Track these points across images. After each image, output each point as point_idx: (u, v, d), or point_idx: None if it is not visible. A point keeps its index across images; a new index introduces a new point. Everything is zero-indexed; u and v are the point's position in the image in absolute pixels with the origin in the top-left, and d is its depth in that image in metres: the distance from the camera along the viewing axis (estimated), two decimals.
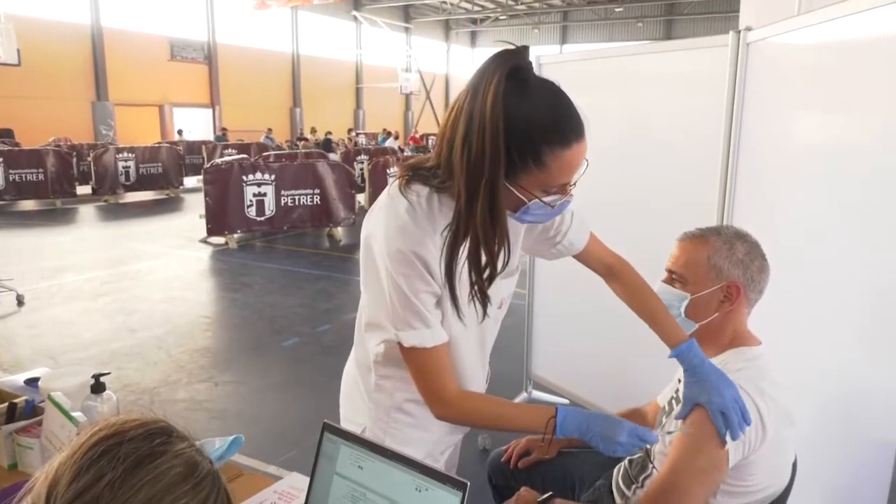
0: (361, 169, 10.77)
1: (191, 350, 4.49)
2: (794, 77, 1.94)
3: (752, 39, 2.07)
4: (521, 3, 29.60)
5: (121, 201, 12.55)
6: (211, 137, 19.13)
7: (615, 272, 1.48)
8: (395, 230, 1.14)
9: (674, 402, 1.48)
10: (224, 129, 19.31)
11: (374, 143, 19.06)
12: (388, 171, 9.13)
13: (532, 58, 1.09)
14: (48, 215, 10.76)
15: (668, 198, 2.55)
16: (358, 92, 29.12)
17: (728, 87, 2.13)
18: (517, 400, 3.38)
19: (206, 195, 7.98)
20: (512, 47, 1.06)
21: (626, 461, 1.55)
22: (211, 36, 22.03)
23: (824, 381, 1.75)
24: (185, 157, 14.77)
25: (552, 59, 3.07)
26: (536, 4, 29.75)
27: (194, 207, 10.64)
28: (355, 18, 27.41)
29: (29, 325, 5.00)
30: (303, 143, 16.34)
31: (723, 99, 2.14)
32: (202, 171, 8.65)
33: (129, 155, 12.81)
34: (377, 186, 8.88)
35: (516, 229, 1.27)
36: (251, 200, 8.22)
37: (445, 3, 28.76)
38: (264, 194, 8.30)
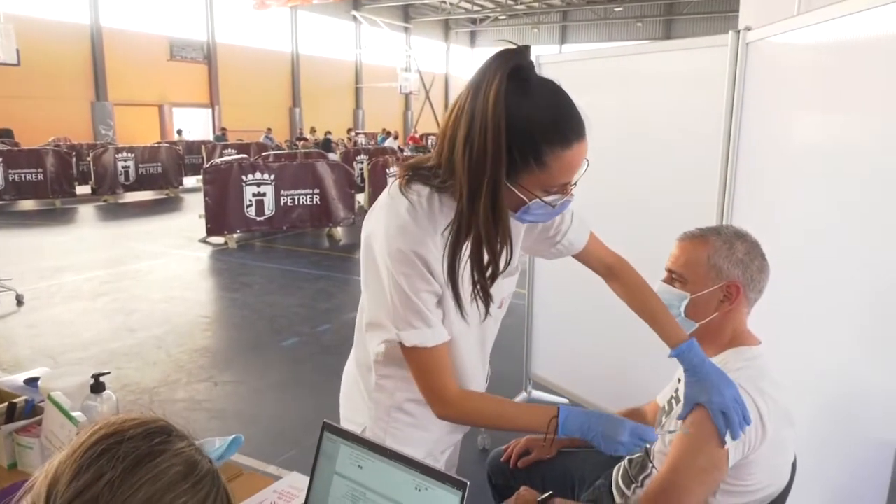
0: (361, 169, 10.77)
1: (190, 350, 4.49)
2: (794, 77, 1.94)
3: (752, 39, 2.07)
4: (521, 3, 29.60)
5: (120, 201, 12.54)
6: (210, 137, 19.13)
7: (615, 272, 1.48)
8: (395, 230, 1.14)
9: (673, 401, 1.48)
10: (223, 129, 19.31)
11: (374, 142, 19.06)
12: (387, 170, 9.13)
13: (532, 57, 1.09)
14: (48, 215, 10.76)
15: (668, 197, 2.55)
16: (357, 92, 29.12)
17: (727, 87, 2.13)
18: (517, 400, 3.38)
19: (205, 195, 7.98)
20: (513, 47, 1.06)
21: (625, 461, 1.56)
22: (210, 36, 22.02)
23: (824, 381, 1.75)
24: (184, 157, 14.77)
25: (551, 59, 3.07)
26: (536, 4, 29.76)
27: (194, 207, 10.64)
28: (355, 18, 27.41)
29: (28, 324, 5.00)
30: (302, 142, 16.33)
31: (722, 99, 2.14)
32: (202, 170, 8.65)
33: (129, 155, 12.80)
34: (377, 186, 8.88)
35: (517, 229, 1.27)
36: (251, 200, 8.22)
37: (445, 2, 28.75)
38: (264, 194, 8.30)
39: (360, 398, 1.37)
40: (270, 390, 3.88)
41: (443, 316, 1.21)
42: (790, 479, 1.38)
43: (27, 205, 11.61)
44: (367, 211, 1.25)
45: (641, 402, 1.75)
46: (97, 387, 1.41)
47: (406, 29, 30.60)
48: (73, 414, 1.34)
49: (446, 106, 32.78)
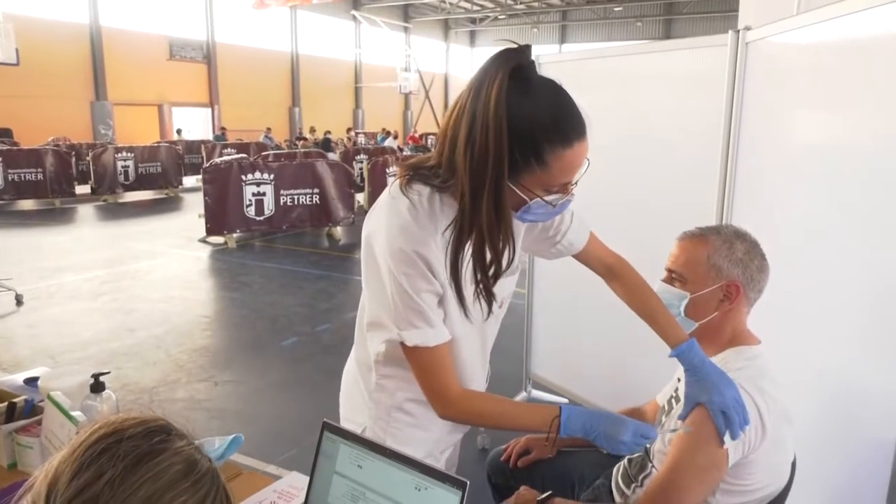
0: (360, 168, 10.76)
1: (190, 349, 4.49)
2: (794, 76, 1.94)
3: (751, 39, 2.07)
4: (521, 3, 29.60)
5: (120, 201, 12.54)
6: (210, 137, 19.13)
7: (615, 272, 1.48)
8: (396, 229, 1.14)
9: (673, 401, 1.48)
10: (223, 129, 19.31)
11: (374, 142, 19.06)
12: (387, 170, 9.13)
13: (532, 57, 1.09)
14: (47, 215, 10.75)
15: (668, 197, 2.55)
16: (357, 91, 29.12)
17: (727, 87, 2.13)
18: (517, 399, 3.38)
19: (205, 195, 7.98)
20: (514, 46, 1.06)
21: (625, 460, 1.56)
22: (210, 35, 22.01)
23: (823, 380, 1.75)
24: (184, 157, 14.77)
25: (551, 59, 3.07)
26: (535, 4, 29.76)
27: (193, 207, 10.64)
28: (354, 18, 27.40)
29: (28, 324, 4.99)
30: (302, 142, 16.33)
31: (722, 98, 2.14)
32: (201, 170, 8.65)
33: (128, 154, 12.80)
34: (376, 186, 8.88)
35: (517, 228, 1.27)
36: (250, 200, 8.22)
37: (444, 2, 28.75)
38: (263, 194, 8.30)
39: (360, 398, 1.37)
40: (270, 390, 3.88)
41: (444, 316, 1.21)
42: (790, 479, 1.38)
43: (26, 204, 11.61)
44: (366, 211, 1.25)
45: (641, 402, 1.75)
46: (97, 386, 1.41)
47: (406, 28, 30.60)
48: (73, 413, 1.34)
49: (446, 106, 32.90)
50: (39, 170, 11.51)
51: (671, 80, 2.56)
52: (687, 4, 29.29)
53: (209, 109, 22.42)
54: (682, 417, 1.28)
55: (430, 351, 1.18)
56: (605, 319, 2.73)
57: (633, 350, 2.59)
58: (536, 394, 3.49)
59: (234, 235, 8.28)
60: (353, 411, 1.40)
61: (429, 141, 20.51)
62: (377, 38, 28.55)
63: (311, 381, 4.03)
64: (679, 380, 1.50)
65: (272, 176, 8.33)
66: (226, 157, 9.82)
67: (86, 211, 11.42)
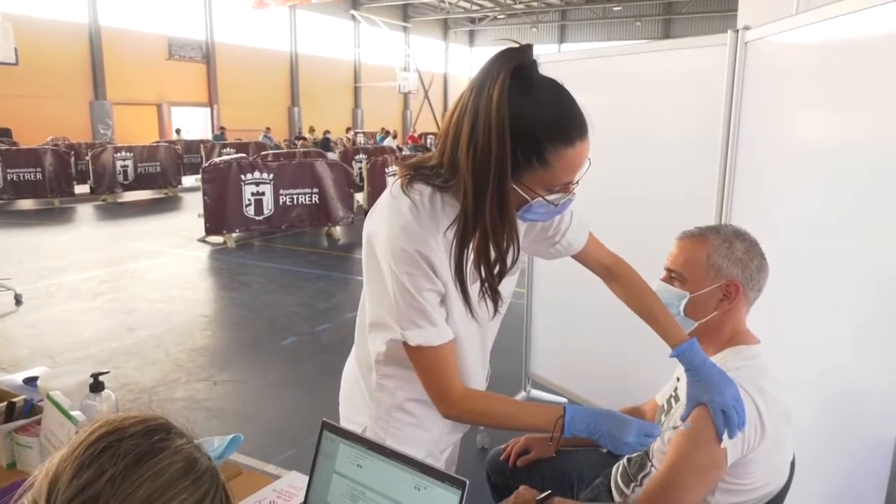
0: (360, 168, 10.76)
1: (189, 349, 4.49)
2: (793, 76, 1.94)
3: (751, 38, 2.07)
4: (520, 2, 29.59)
5: (119, 200, 12.53)
6: (209, 136, 19.12)
7: (614, 273, 1.48)
8: (398, 229, 1.14)
9: (672, 400, 1.48)
10: (222, 129, 19.31)
11: (373, 142, 19.06)
12: (386, 170, 9.13)
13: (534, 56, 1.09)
14: (46, 214, 10.75)
15: (667, 196, 2.55)
16: (356, 91, 29.11)
17: (726, 86, 2.13)
18: (517, 399, 3.38)
19: (204, 194, 7.97)
20: (516, 45, 1.06)
21: (624, 459, 1.56)
22: (209, 35, 22.00)
23: (822, 380, 1.75)
24: (183, 157, 14.77)
25: (550, 59, 3.08)
26: (535, 3, 29.74)
27: (192, 207, 10.63)
28: (353, 17, 27.39)
29: (27, 324, 4.99)
30: (301, 142, 16.32)
31: (721, 98, 2.15)
32: (200, 170, 8.64)
33: (128, 154, 12.79)
34: (376, 186, 8.88)
35: (519, 227, 1.28)
36: (249, 200, 8.22)
37: (444, 2, 28.74)
38: (263, 193, 8.30)
39: (360, 398, 1.37)
40: (270, 389, 3.88)
41: (446, 315, 1.21)
42: (789, 478, 1.38)
43: (26, 204, 11.60)
44: (366, 210, 1.25)
45: (640, 401, 1.75)
46: (96, 386, 1.41)
47: (405, 28, 30.59)
48: (73, 413, 1.34)
49: (445, 105, 32.87)
50: (38, 169, 11.50)
51: (670, 79, 2.56)
52: (686, 4, 29.29)
53: (208, 109, 22.41)
54: (684, 418, 1.28)
55: (433, 350, 1.18)
56: (605, 319, 2.73)
57: (633, 349, 2.59)
58: (536, 393, 3.49)
59: (234, 235, 8.28)
60: (354, 411, 1.40)
61: (428, 140, 20.51)
62: (376, 38, 28.54)
63: (310, 380, 4.03)
64: (678, 379, 1.50)
65: (271, 176, 8.33)
66: (225, 157, 9.82)
67: (85, 210, 11.41)
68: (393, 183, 1.22)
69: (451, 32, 35.05)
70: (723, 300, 1.40)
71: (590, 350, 3.04)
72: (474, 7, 30.05)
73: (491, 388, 1.46)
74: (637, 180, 2.70)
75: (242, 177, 8.13)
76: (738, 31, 2.11)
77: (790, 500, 1.39)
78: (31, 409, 1.54)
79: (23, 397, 1.57)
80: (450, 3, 29.01)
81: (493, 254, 1.15)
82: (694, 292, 1.42)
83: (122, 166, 12.63)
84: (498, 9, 30.58)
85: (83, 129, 18.31)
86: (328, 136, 17.17)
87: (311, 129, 19.31)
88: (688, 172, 2.44)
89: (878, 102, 1.57)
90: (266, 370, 4.16)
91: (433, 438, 1.36)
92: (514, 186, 1.09)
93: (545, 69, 1.07)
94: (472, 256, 1.17)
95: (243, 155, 10.04)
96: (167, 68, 20.74)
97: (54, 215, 10.70)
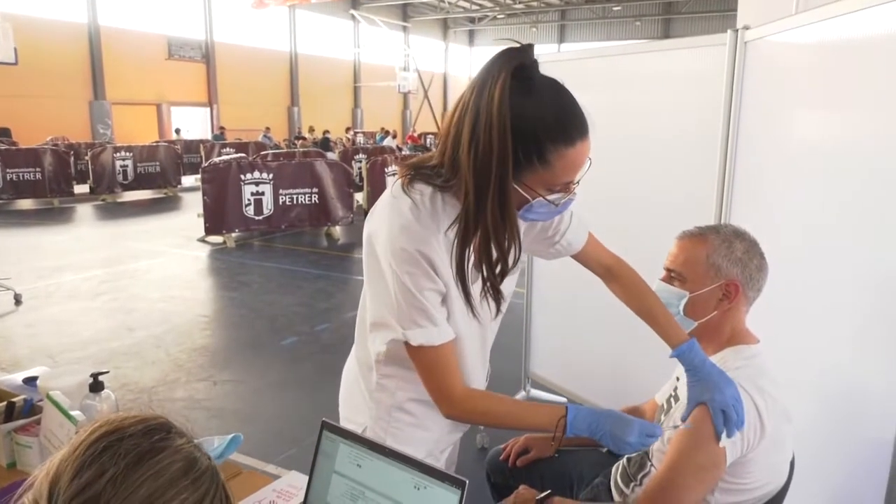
0: (359, 168, 10.76)
1: (189, 349, 4.49)
2: (792, 75, 1.95)
3: (750, 38, 2.07)
4: (519, 2, 29.59)
5: (118, 200, 12.52)
6: (209, 136, 19.12)
7: (614, 273, 1.48)
8: (398, 229, 1.14)
9: (672, 400, 1.48)
10: (222, 128, 19.31)
11: (373, 141, 19.06)
12: (386, 170, 9.13)
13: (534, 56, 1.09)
14: (46, 214, 10.74)
15: (667, 196, 2.55)
16: (356, 91, 29.10)
17: (726, 86, 2.13)
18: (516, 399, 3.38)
19: (203, 194, 7.97)
20: (517, 45, 1.06)
21: (624, 459, 1.56)
22: (209, 35, 21.99)
23: (822, 380, 1.75)
24: (182, 156, 14.76)
25: (550, 58, 3.07)
26: (534, 3, 29.74)
27: (192, 206, 10.63)
28: (353, 17, 27.39)
29: (27, 324, 4.99)
30: (301, 141, 16.32)
31: (721, 97, 2.15)
32: (200, 170, 8.64)
33: (127, 154, 12.78)
34: (375, 185, 8.88)
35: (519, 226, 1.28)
36: (249, 199, 8.22)
37: (443, 2, 28.73)
38: (262, 193, 8.30)
39: (360, 398, 1.37)
40: (269, 389, 3.87)
41: (448, 314, 1.21)
42: (788, 478, 1.38)
43: (25, 204, 11.60)
44: (365, 210, 1.26)
45: (640, 401, 1.75)
46: (96, 386, 1.41)
47: (404, 28, 30.58)
48: (72, 413, 1.34)
49: (445, 105, 32.83)
50: (38, 169, 11.50)
51: (670, 79, 2.56)
52: (686, 4, 29.29)
53: (208, 109, 22.40)
54: (685, 418, 1.28)
55: (435, 350, 1.18)
56: (605, 319, 2.73)
57: (632, 349, 2.59)
58: (535, 393, 3.49)
59: (233, 235, 8.28)
60: (354, 411, 1.40)
61: (428, 140, 20.51)
62: (376, 38, 28.53)
63: (310, 380, 4.03)
64: (678, 379, 1.50)
65: (271, 175, 8.33)
66: (224, 157, 9.83)
67: (84, 210, 11.40)
68: (393, 183, 1.22)
69: (450, 32, 35.04)
70: (722, 300, 1.41)
71: (590, 350, 3.04)
72: (474, 7, 30.05)
73: (490, 387, 1.46)
74: (637, 180, 2.70)
75: (242, 177, 8.13)
76: (737, 30, 2.11)
77: (790, 499, 1.39)
78: (31, 409, 1.54)
79: (22, 397, 1.57)
80: (449, 3, 29.01)
81: (494, 253, 1.15)
82: (693, 292, 1.42)
83: (121, 166, 12.62)
84: (497, 8, 30.58)
85: (83, 129, 18.31)
86: (328, 135, 17.17)
87: (311, 129, 19.32)
88: (687, 172, 2.45)
89: (878, 102, 1.57)
90: (266, 370, 4.16)
91: (433, 438, 1.36)
92: (516, 186, 1.09)
93: (545, 69, 1.07)
94: (473, 256, 1.17)
95: (243, 155, 10.05)
96: (167, 68, 20.73)
97: (54, 215, 10.70)
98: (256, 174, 8.23)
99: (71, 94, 18.25)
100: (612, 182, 2.61)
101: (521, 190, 1.10)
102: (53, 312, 5.28)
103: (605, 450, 1.71)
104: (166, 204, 12.48)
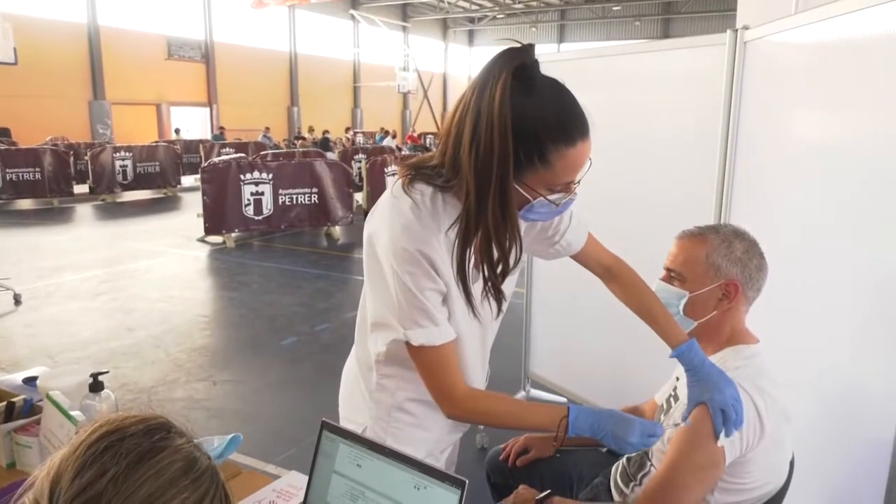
0: (359, 168, 10.76)
1: (189, 349, 4.49)
2: (792, 75, 1.95)
3: (750, 38, 2.07)
4: (519, 2, 29.58)
5: (118, 200, 12.52)
6: (208, 136, 19.11)
7: (613, 273, 1.48)
8: (399, 229, 1.14)
9: (672, 399, 1.48)
10: (221, 128, 19.31)
11: (372, 141, 19.06)
12: (385, 170, 9.13)
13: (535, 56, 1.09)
14: (45, 214, 10.74)
15: (666, 196, 2.55)
16: (356, 91, 29.10)
17: (725, 86, 2.13)
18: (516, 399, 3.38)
19: (203, 194, 7.97)
20: (517, 45, 1.06)
21: (623, 459, 1.56)
22: (208, 34, 21.98)
23: (821, 380, 1.75)
24: (182, 156, 14.76)
25: (550, 58, 3.07)
26: (534, 3, 29.74)
27: (192, 206, 10.63)
28: (353, 17, 27.38)
29: (27, 324, 4.99)
30: (300, 141, 16.32)
31: (720, 97, 2.15)
32: (200, 169, 8.63)
33: (127, 154, 12.78)
34: (375, 185, 8.87)
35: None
36: (249, 199, 8.22)
37: (443, 1, 28.73)
38: (262, 193, 8.30)
39: (360, 398, 1.37)
40: (269, 389, 3.88)
41: (448, 314, 1.21)
42: (788, 478, 1.38)
43: (25, 204, 11.59)
44: (365, 210, 1.26)
45: (640, 401, 1.75)
46: (96, 386, 1.41)
47: (404, 28, 30.57)
48: (72, 413, 1.34)
49: (444, 105, 32.77)
50: (37, 169, 11.49)
51: (669, 79, 2.56)
52: (685, 4, 29.29)
53: (207, 109, 22.40)
54: (685, 418, 1.28)
55: (436, 350, 1.18)
56: (604, 319, 2.73)
57: (632, 349, 2.60)
58: (535, 393, 3.49)
59: (233, 235, 8.28)
60: (353, 411, 1.40)
61: (427, 140, 20.50)
62: (375, 38, 28.53)
63: (309, 380, 4.03)
64: (678, 378, 1.50)
65: (271, 175, 8.33)
66: (224, 157, 9.82)
67: (84, 210, 11.40)
68: (394, 183, 1.22)
69: (450, 32, 35.03)
70: (722, 299, 1.41)
71: (589, 350, 3.04)
72: (473, 7, 30.05)
73: (490, 387, 1.46)
74: (636, 180, 2.70)
75: (242, 177, 8.13)
76: (737, 30, 2.11)
77: (789, 499, 1.39)
78: (31, 409, 1.54)
79: (22, 397, 1.57)
80: (449, 3, 29.00)
81: (495, 253, 1.15)
82: (693, 292, 1.42)
83: (121, 166, 12.62)
84: (497, 8, 30.58)
85: (82, 129, 18.30)
86: (327, 135, 17.17)
87: (311, 129, 19.32)
88: (687, 172, 2.45)
89: (877, 102, 1.57)
90: (265, 370, 4.16)
91: (433, 438, 1.36)
92: (516, 186, 1.09)
93: (544, 69, 1.07)
94: (473, 256, 1.17)
95: (242, 155, 10.05)
96: (166, 68, 20.72)
97: (53, 215, 10.69)
98: (256, 174, 8.23)
99: (70, 94, 18.25)
100: (612, 182, 2.61)
101: (521, 190, 1.10)
102: (53, 312, 5.28)
103: (604, 450, 1.71)
104: (166, 204, 12.48)
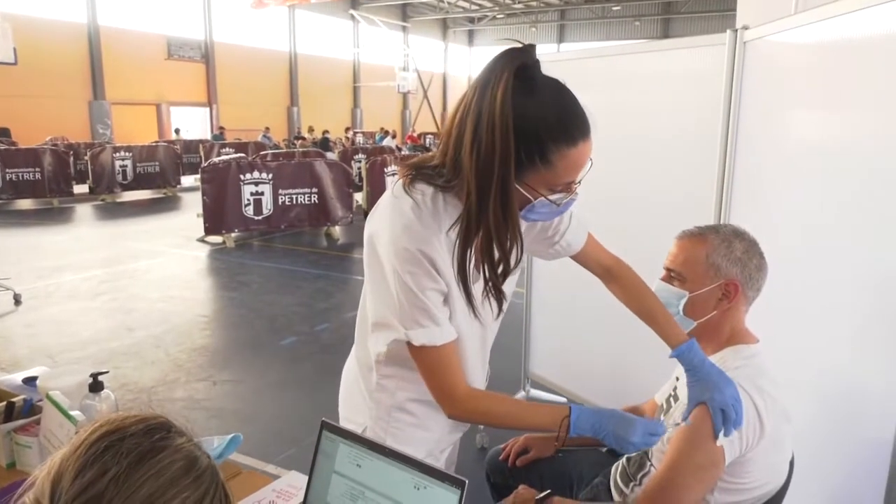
0: (359, 168, 10.76)
1: (189, 349, 4.49)
2: (791, 75, 1.95)
3: (749, 38, 2.07)
4: (519, 2, 29.58)
5: (118, 200, 12.52)
6: (208, 136, 19.11)
7: (613, 274, 1.49)
8: (400, 229, 1.14)
9: (671, 399, 1.48)
10: (221, 128, 19.30)
11: (372, 141, 19.06)
12: (385, 170, 9.13)
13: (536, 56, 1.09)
14: (45, 214, 10.74)
15: (666, 196, 2.55)
16: (355, 91, 29.10)
17: (725, 86, 2.13)
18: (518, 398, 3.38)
19: (203, 194, 7.97)
20: (519, 45, 1.06)
21: (623, 459, 1.56)
22: (208, 34, 21.98)
23: (821, 380, 1.75)
24: (182, 156, 14.76)
25: (550, 58, 3.07)
26: (534, 3, 29.73)
27: (192, 206, 10.63)
28: (353, 17, 27.38)
29: (26, 324, 4.99)
30: (300, 141, 16.32)
31: (720, 97, 2.15)
32: (199, 169, 8.64)
33: (127, 154, 12.78)
34: (375, 185, 8.88)
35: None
36: (249, 199, 8.22)
37: (443, 1, 28.73)
38: (262, 193, 8.30)
39: (360, 398, 1.37)
40: (269, 389, 3.88)
41: (449, 314, 1.21)
42: (788, 478, 1.38)
43: (24, 204, 11.59)
44: (365, 210, 1.26)
45: (640, 401, 1.75)
46: (95, 386, 1.41)
47: (404, 28, 30.57)
48: (72, 413, 1.34)
49: (444, 105, 32.75)
50: (37, 169, 11.49)
51: (669, 79, 2.56)
52: (685, 4, 29.29)
53: (207, 109, 22.39)
54: (685, 418, 1.28)
55: (437, 350, 1.18)
56: (604, 319, 2.73)
57: (632, 349, 2.59)
58: (535, 393, 3.49)
59: (233, 235, 8.28)
60: (353, 411, 1.40)
61: (427, 140, 20.50)
62: (375, 38, 28.52)
63: (309, 380, 4.03)
64: (678, 378, 1.50)
65: (270, 175, 8.33)
66: (224, 157, 9.82)
67: (84, 210, 11.40)
68: (394, 183, 1.22)
69: (450, 32, 35.03)
70: (722, 299, 1.41)
71: (589, 350, 3.04)
72: (473, 7, 30.04)
73: (490, 387, 1.46)
74: (636, 180, 2.70)
75: (241, 177, 8.13)
76: (736, 30, 2.11)
77: (789, 499, 1.39)
78: (31, 409, 1.54)
79: (22, 397, 1.58)
80: (449, 3, 29.00)
81: (496, 253, 1.15)
82: (693, 292, 1.42)
83: (120, 166, 12.62)
84: (497, 8, 30.58)
85: (82, 129, 18.30)
86: (327, 135, 17.17)
87: (311, 129, 19.32)
88: (687, 172, 2.45)
89: (877, 102, 1.57)
90: (265, 370, 4.16)
91: (433, 438, 1.36)
92: (518, 186, 1.09)
93: (544, 69, 1.07)
94: (474, 257, 1.17)
95: (242, 155, 10.05)
96: (166, 68, 20.72)
97: (53, 215, 10.69)
98: (256, 174, 8.23)
99: (70, 94, 18.25)
100: (612, 182, 2.60)
101: (523, 190, 1.10)
102: (53, 312, 5.28)
103: (604, 449, 1.71)
104: (166, 204, 12.47)
